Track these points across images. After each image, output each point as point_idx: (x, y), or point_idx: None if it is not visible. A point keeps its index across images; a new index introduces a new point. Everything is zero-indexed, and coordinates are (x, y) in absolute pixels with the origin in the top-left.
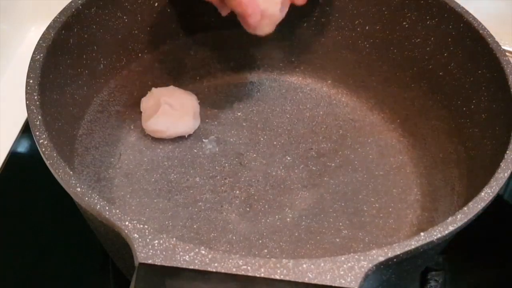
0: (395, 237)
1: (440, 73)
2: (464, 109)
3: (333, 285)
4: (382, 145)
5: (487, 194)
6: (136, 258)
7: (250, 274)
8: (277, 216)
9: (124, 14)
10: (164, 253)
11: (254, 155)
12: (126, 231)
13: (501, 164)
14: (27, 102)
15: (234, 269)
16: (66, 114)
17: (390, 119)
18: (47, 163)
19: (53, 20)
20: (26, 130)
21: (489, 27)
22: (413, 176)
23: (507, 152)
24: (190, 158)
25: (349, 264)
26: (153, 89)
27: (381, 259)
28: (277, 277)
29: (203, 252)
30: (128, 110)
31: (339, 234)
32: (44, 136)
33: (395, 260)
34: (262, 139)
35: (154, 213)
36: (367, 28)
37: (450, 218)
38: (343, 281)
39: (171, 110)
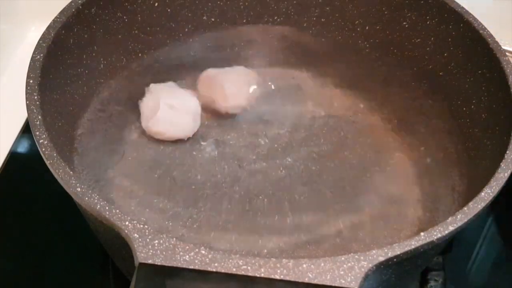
0: (395, 237)
1: (440, 73)
2: (464, 109)
3: (333, 285)
4: (382, 145)
5: (487, 194)
6: (136, 258)
7: (250, 274)
8: (276, 216)
9: (124, 14)
10: (164, 253)
11: (254, 157)
12: (126, 231)
13: (501, 164)
14: (27, 102)
15: (234, 269)
16: (66, 114)
17: (390, 118)
18: (47, 163)
19: (53, 20)
20: (26, 130)
21: (489, 27)
22: (414, 176)
23: (507, 152)
24: (190, 158)
25: (349, 264)
26: (152, 85)
27: (381, 259)
28: (277, 277)
29: (203, 252)
30: (128, 110)
31: (340, 234)
32: (44, 136)
33: (395, 260)
34: (262, 141)
35: (154, 213)
36: (367, 28)
37: (450, 218)
38: (343, 281)
39: (171, 111)
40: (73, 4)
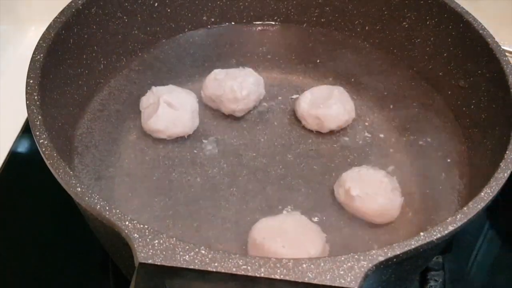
0: (396, 236)
1: (440, 73)
2: (464, 109)
3: (333, 285)
4: (382, 144)
5: (487, 194)
6: (136, 258)
7: (250, 274)
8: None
9: (124, 14)
10: (164, 253)
11: (254, 154)
12: (126, 231)
13: (500, 164)
14: (27, 102)
15: (234, 269)
16: (66, 114)
17: (391, 118)
18: (47, 163)
19: (53, 20)
20: (26, 130)
21: (489, 27)
22: (414, 175)
23: (507, 152)
24: (190, 157)
25: (349, 264)
26: (153, 87)
27: (381, 259)
28: (277, 277)
29: (203, 252)
30: (128, 109)
31: (340, 233)
32: (44, 136)
33: (395, 260)
34: (262, 139)
35: (154, 212)
36: (367, 28)
37: (450, 218)
38: (343, 281)
39: (170, 109)
40: (73, 4)
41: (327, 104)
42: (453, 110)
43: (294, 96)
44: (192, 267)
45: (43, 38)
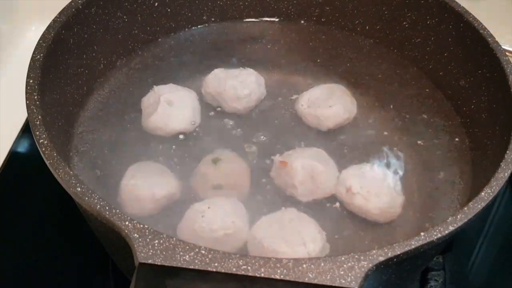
0: (396, 236)
1: (440, 73)
2: (464, 109)
3: (333, 285)
4: (383, 143)
5: (487, 194)
6: (136, 258)
7: (250, 274)
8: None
9: (124, 14)
10: (164, 253)
11: (255, 152)
12: (126, 231)
13: (501, 164)
14: (27, 102)
15: (234, 269)
16: (66, 114)
17: (391, 117)
18: (47, 163)
19: (53, 20)
20: (26, 130)
21: (489, 27)
22: (414, 174)
23: (507, 152)
24: (190, 156)
25: (349, 264)
26: (154, 87)
27: (381, 259)
28: (277, 277)
29: (203, 252)
30: (129, 108)
31: (341, 233)
32: (44, 136)
33: (395, 260)
34: (263, 137)
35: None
36: (367, 27)
37: (450, 218)
38: (343, 281)
39: (170, 107)
40: (73, 4)
41: (328, 103)
42: (454, 110)
43: (295, 96)
44: (192, 267)
45: (43, 38)
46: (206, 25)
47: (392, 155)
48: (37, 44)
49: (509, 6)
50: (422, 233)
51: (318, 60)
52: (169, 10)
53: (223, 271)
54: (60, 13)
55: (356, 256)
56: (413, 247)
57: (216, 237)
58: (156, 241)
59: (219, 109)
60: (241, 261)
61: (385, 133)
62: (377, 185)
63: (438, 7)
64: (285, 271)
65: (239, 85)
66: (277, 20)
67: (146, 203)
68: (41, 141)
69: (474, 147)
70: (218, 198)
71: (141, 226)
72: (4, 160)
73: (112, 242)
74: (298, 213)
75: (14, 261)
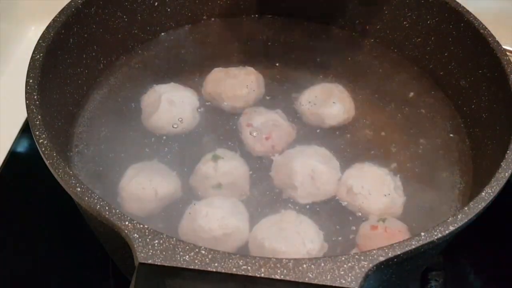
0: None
1: (441, 73)
2: (465, 108)
3: (334, 285)
4: (384, 142)
5: (487, 194)
6: (136, 258)
7: (250, 274)
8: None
9: (124, 13)
10: (164, 253)
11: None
12: (126, 231)
13: (501, 164)
14: (27, 102)
15: (234, 269)
16: (66, 113)
17: (392, 116)
18: (47, 163)
19: (53, 20)
20: (26, 130)
21: (490, 27)
22: (415, 174)
23: (508, 152)
24: (190, 155)
25: (350, 264)
26: (155, 86)
27: (382, 259)
28: (277, 277)
29: (203, 252)
30: (128, 107)
31: (340, 233)
32: (43, 135)
33: (395, 260)
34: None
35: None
36: (367, 27)
37: (450, 218)
38: (344, 281)
39: (171, 106)
40: (73, 3)
41: (327, 102)
42: (454, 109)
43: (294, 95)
44: (192, 267)
45: (42, 37)
46: (206, 24)
47: (392, 155)
48: (37, 44)
49: (509, 6)
50: (422, 233)
51: (318, 59)
52: (169, 9)
53: (223, 271)
54: (60, 13)
55: (357, 256)
56: (413, 247)
57: (216, 237)
58: (156, 241)
59: (219, 108)
60: (241, 261)
61: (386, 132)
62: (379, 185)
63: (439, 7)
64: (285, 271)
65: (238, 84)
66: (277, 19)
67: (146, 203)
68: (40, 141)
69: (475, 147)
70: (217, 197)
71: (141, 226)
72: (4, 160)
73: (112, 242)
74: (297, 214)
75: (14, 261)
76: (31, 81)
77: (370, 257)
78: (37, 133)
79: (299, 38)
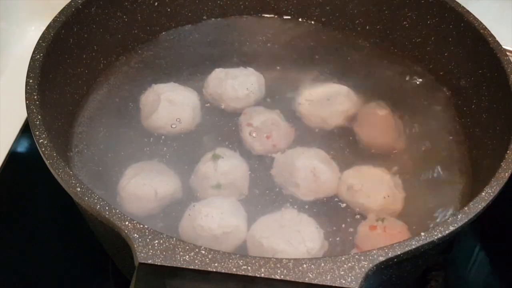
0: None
1: (441, 73)
2: (465, 108)
3: (334, 285)
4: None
5: (488, 194)
6: (136, 258)
7: (250, 274)
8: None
9: (124, 13)
10: (164, 253)
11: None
12: (126, 231)
13: (501, 164)
14: (27, 102)
15: (234, 269)
16: (66, 113)
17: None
18: (47, 163)
19: (53, 20)
20: (26, 130)
21: (490, 27)
22: (415, 174)
23: (508, 152)
24: (190, 155)
25: (350, 264)
26: (153, 85)
27: (382, 259)
28: (277, 277)
29: (203, 252)
30: (128, 107)
31: (341, 232)
32: (43, 135)
33: (395, 260)
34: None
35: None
36: (367, 27)
37: (450, 218)
38: (344, 281)
39: (171, 106)
40: (73, 3)
41: (328, 103)
42: (454, 110)
43: (295, 95)
44: (192, 267)
45: (42, 37)
46: (206, 24)
47: (392, 155)
48: (37, 44)
49: (509, 6)
50: (422, 233)
51: (318, 60)
52: (169, 9)
53: (223, 271)
54: (60, 13)
55: (357, 256)
56: (413, 247)
57: (215, 236)
58: (156, 241)
59: (219, 109)
60: (241, 261)
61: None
62: (379, 183)
63: (439, 7)
64: (285, 271)
65: (239, 85)
66: (277, 19)
67: (146, 203)
68: (40, 141)
69: (474, 147)
70: (217, 197)
71: (141, 226)
72: (4, 160)
73: (112, 242)
74: (297, 212)
75: (14, 261)
76: (31, 81)
77: (370, 257)
78: (37, 133)
79: (299, 38)
